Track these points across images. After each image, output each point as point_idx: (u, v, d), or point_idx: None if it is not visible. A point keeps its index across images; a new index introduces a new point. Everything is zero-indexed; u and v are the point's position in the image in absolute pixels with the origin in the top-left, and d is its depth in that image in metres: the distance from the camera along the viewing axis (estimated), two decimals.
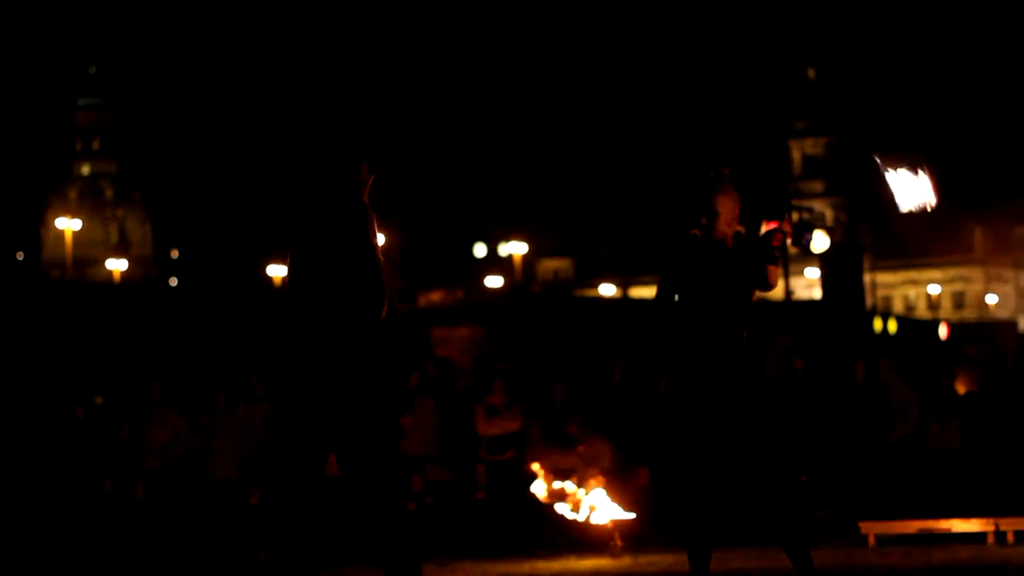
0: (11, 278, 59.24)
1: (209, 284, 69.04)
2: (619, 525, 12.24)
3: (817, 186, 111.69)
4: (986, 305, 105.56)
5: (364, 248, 6.38)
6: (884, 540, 12.91)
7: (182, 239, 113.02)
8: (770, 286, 7.99)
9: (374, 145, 6.66)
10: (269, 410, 15.25)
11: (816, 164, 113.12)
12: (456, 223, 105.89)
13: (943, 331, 63.93)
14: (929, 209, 7.79)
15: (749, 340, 7.83)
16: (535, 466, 12.27)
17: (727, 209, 7.81)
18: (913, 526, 13.05)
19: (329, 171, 6.58)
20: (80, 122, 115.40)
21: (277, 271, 67.22)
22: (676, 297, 7.70)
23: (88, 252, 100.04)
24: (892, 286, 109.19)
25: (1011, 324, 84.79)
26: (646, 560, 12.10)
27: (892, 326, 64.11)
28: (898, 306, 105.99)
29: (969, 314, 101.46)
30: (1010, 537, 12.63)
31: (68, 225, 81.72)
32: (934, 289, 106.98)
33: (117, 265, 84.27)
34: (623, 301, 77.45)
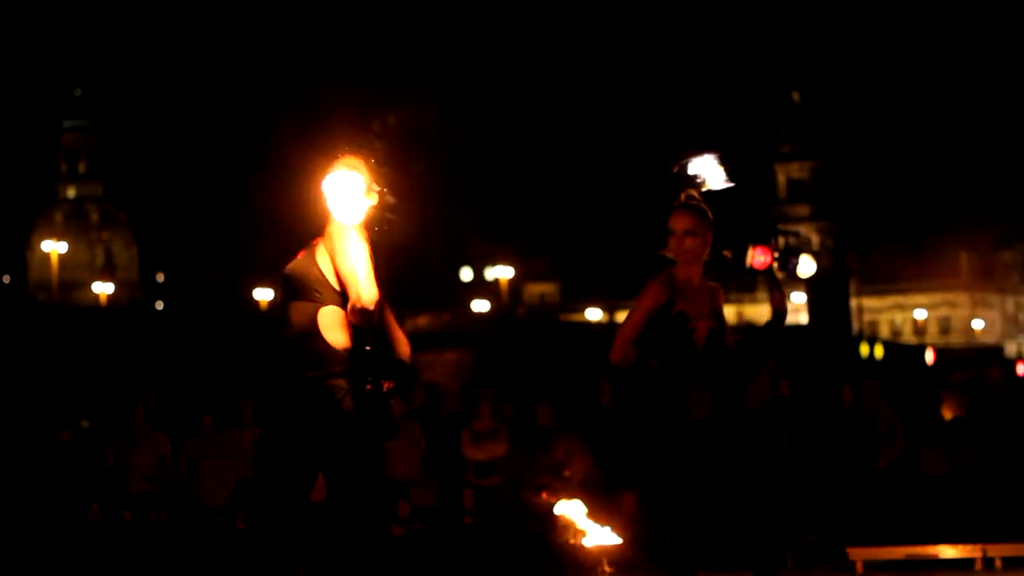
0: None
1: (195, 307, 68.91)
2: (606, 550, 12.22)
3: (803, 210, 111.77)
4: (972, 330, 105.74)
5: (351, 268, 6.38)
6: (872, 566, 12.90)
7: (168, 262, 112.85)
8: (784, 313, 8.02)
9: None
10: (257, 434, 15.19)
11: (802, 188, 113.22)
12: (442, 247, 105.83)
13: (930, 356, 64.04)
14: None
15: (735, 364, 7.82)
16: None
17: (679, 228, 7.77)
18: (901, 552, 13.04)
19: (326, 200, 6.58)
20: (65, 144, 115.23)
21: (263, 294, 67.19)
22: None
23: (74, 275, 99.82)
24: (878, 311, 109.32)
25: (997, 349, 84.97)
26: None
27: (878, 351, 64.22)
28: (884, 331, 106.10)
29: (955, 339, 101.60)
30: (998, 563, 12.63)
31: (54, 248, 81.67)
32: (920, 314, 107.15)
33: (103, 288, 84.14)
34: (609, 325, 77.43)
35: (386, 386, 6.33)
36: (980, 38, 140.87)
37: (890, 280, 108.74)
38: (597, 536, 11.75)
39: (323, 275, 6.48)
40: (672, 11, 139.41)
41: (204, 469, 15.29)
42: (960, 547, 12.87)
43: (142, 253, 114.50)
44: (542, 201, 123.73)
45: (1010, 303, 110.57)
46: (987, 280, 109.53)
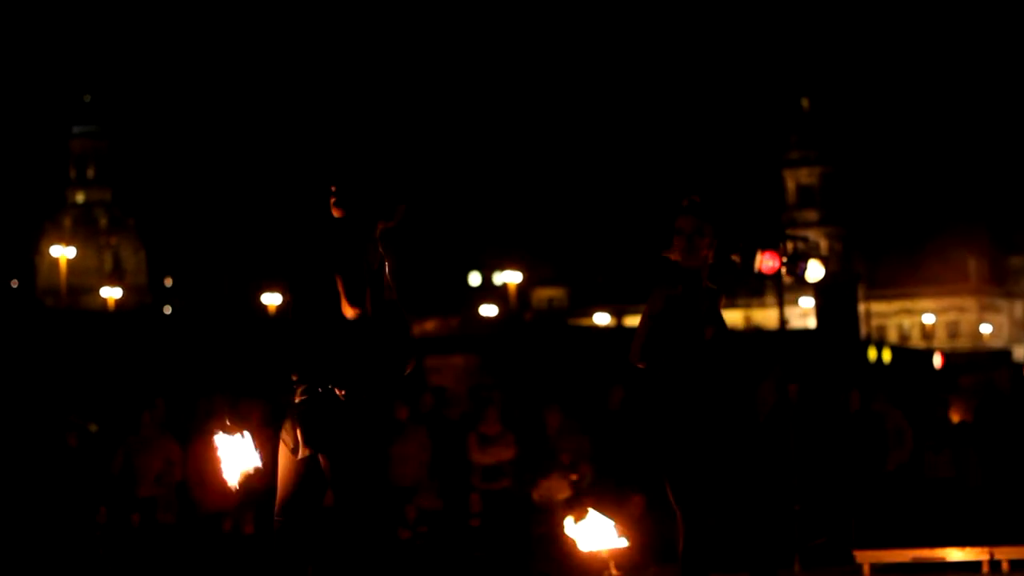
0: (6, 306, 59.16)
1: (203, 312, 68.98)
2: (614, 553, 12.22)
3: (811, 215, 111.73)
4: (980, 335, 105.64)
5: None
6: (879, 569, 12.89)
7: (176, 267, 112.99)
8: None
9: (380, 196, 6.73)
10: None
11: (810, 193, 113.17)
12: (451, 252, 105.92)
13: (937, 360, 63.97)
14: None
15: (739, 370, 7.83)
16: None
17: (687, 229, 7.78)
18: (908, 555, 13.03)
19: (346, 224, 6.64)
20: (74, 150, 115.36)
21: (271, 299, 67.22)
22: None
23: (82, 280, 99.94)
24: (887, 315, 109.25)
25: (1005, 353, 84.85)
26: None
27: (887, 355, 64.12)
28: (892, 335, 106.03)
29: (963, 343, 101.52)
30: (1005, 566, 12.62)
31: (63, 253, 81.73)
32: (928, 319, 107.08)
33: (111, 293, 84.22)
34: (617, 330, 77.46)
35: (339, 393, 6.39)
36: (988, 44, 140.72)
37: (898, 285, 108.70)
38: (604, 539, 11.75)
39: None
40: (682, 18, 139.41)
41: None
42: (967, 550, 12.87)
43: (150, 258, 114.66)
44: (550, 206, 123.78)
45: (1018, 307, 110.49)
46: (995, 284, 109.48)
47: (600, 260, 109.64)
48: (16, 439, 15.45)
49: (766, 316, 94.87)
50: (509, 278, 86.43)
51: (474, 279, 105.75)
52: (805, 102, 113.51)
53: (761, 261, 13.24)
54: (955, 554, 12.90)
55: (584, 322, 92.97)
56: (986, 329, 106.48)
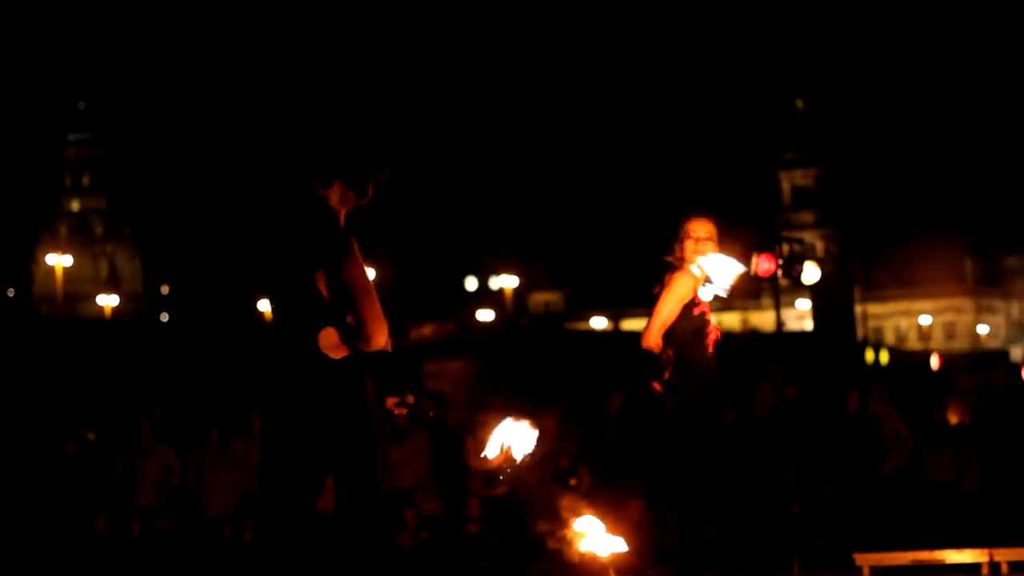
0: (2, 314, 59.18)
1: (200, 319, 68.96)
2: (613, 557, 12.21)
3: (807, 217, 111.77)
4: (977, 335, 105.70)
5: (342, 281, 6.18)
6: (878, 572, 12.88)
7: (172, 274, 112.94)
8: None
9: (350, 163, 6.29)
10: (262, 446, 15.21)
11: (806, 195, 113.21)
12: (447, 257, 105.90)
13: (935, 362, 64.02)
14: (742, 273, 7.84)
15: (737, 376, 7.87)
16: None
17: (699, 234, 7.78)
18: (907, 557, 13.02)
19: (299, 196, 6.29)
20: (70, 158, 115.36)
21: (268, 306, 67.18)
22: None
23: (78, 288, 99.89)
24: (883, 317, 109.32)
25: (1002, 354, 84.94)
26: None
27: (883, 357, 64.21)
28: (889, 337, 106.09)
29: (960, 344, 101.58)
30: (1004, 568, 12.61)
31: (58, 261, 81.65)
32: (925, 320, 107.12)
33: (108, 301, 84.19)
34: (614, 333, 77.50)
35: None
36: (983, 45, 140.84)
37: (894, 286, 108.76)
38: (603, 543, 11.74)
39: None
40: (677, 21, 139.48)
41: (210, 480, 15.31)
42: (967, 552, 12.86)
43: (146, 265, 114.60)
44: (546, 211, 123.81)
45: (1015, 308, 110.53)
46: (992, 285, 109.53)
47: (596, 264, 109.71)
48: (15, 447, 15.45)
49: (763, 318, 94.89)
50: (505, 283, 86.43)
51: (471, 284, 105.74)
52: (800, 104, 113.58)
53: (757, 263, 13.22)
54: (954, 556, 12.89)
55: (581, 326, 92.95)
56: (983, 330, 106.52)
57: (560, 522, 12.21)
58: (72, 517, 14.87)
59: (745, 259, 8.88)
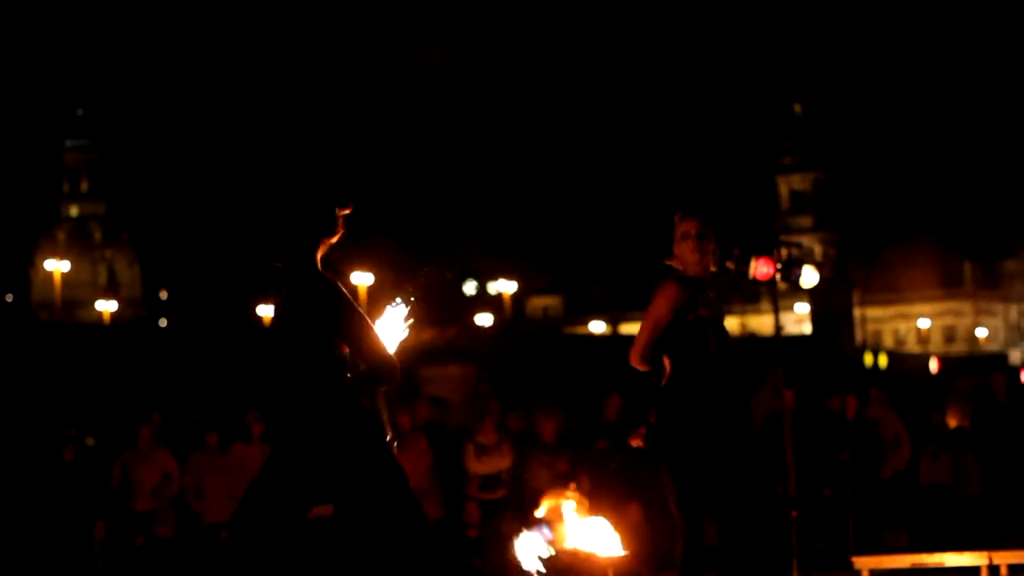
0: (0, 320, 59.14)
1: (198, 325, 68.95)
2: (612, 562, 12.22)
3: (805, 221, 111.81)
4: (976, 339, 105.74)
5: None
6: (877, 575, 12.89)
7: (171, 280, 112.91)
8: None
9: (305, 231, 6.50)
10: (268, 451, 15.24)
11: (804, 199, 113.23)
12: (445, 261, 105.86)
13: (933, 365, 64.03)
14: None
15: (738, 380, 7.84)
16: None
17: (694, 232, 7.78)
18: (906, 560, 13.03)
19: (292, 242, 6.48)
20: (68, 163, 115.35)
21: (267, 311, 67.17)
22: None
23: (77, 293, 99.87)
24: (882, 320, 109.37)
25: (1001, 357, 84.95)
26: None
27: (882, 360, 64.20)
28: (888, 340, 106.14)
29: (959, 348, 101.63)
30: (1003, 571, 12.62)
31: (57, 267, 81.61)
32: (924, 323, 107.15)
33: (106, 306, 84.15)
34: (613, 338, 77.45)
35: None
36: (981, 48, 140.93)
37: (893, 290, 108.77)
38: (602, 547, 11.76)
39: None
40: (675, 25, 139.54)
41: (208, 486, 15.29)
42: (966, 554, 12.86)
43: (145, 271, 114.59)
44: (545, 215, 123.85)
45: (1013, 311, 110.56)
46: (990, 288, 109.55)
47: (595, 269, 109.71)
48: (13, 453, 15.44)
49: (761, 322, 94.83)
50: (504, 287, 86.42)
51: (469, 288, 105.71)
52: (798, 108, 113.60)
53: (756, 267, 13.22)
54: (953, 559, 12.89)
55: (580, 330, 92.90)
56: (982, 333, 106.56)
57: (559, 526, 12.22)
58: (71, 523, 14.86)
59: (742, 263, 8.90)
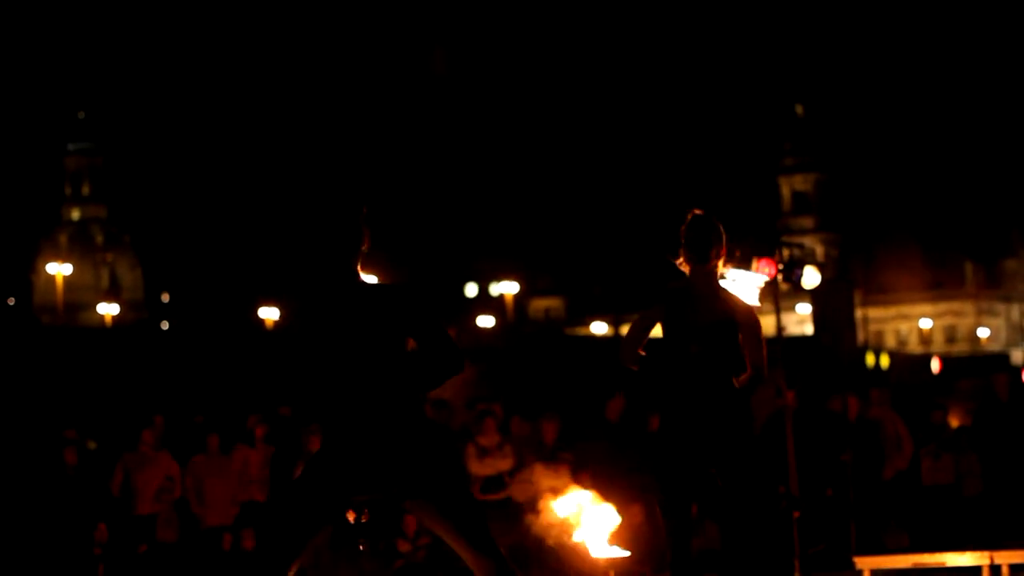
0: (2, 324, 59.14)
1: (201, 327, 68.96)
2: (613, 562, 12.22)
3: (807, 222, 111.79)
4: (978, 339, 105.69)
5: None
6: (879, 575, 12.90)
7: (173, 283, 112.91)
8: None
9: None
10: (269, 455, 15.28)
11: (806, 200, 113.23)
12: (447, 263, 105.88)
13: (935, 365, 64.01)
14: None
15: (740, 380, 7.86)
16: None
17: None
18: (908, 560, 13.03)
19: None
20: (69, 167, 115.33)
21: (269, 313, 67.15)
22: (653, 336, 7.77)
23: (79, 297, 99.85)
24: (884, 321, 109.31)
25: (1003, 357, 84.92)
26: None
27: (884, 360, 64.15)
28: (890, 341, 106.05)
29: (961, 348, 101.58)
30: (1005, 571, 12.62)
31: (59, 270, 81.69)
32: (926, 323, 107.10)
33: (108, 309, 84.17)
34: (615, 339, 77.43)
35: None
36: (981, 48, 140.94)
37: (895, 290, 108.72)
38: (604, 548, 11.77)
39: None
40: (677, 26, 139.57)
41: (209, 488, 15.30)
42: (967, 554, 12.87)
43: (147, 274, 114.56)
44: (546, 216, 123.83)
45: (1015, 311, 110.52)
46: (992, 288, 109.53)
47: (597, 270, 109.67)
48: (14, 457, 15.44)
49: (763, 323, 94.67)
50: (506, 288, 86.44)
51: (471, 290, 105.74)
52: (799, 109, 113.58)
53: (757, 268, 13.25)
54: (955, 559, 12.90)
55: (581, 331, 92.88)
56: (983, 333, 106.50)
57: (560, 528, 12.22)
58: (72, 527, 14.86)
59: (746, 263, 8.91)
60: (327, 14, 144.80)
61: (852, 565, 13.10)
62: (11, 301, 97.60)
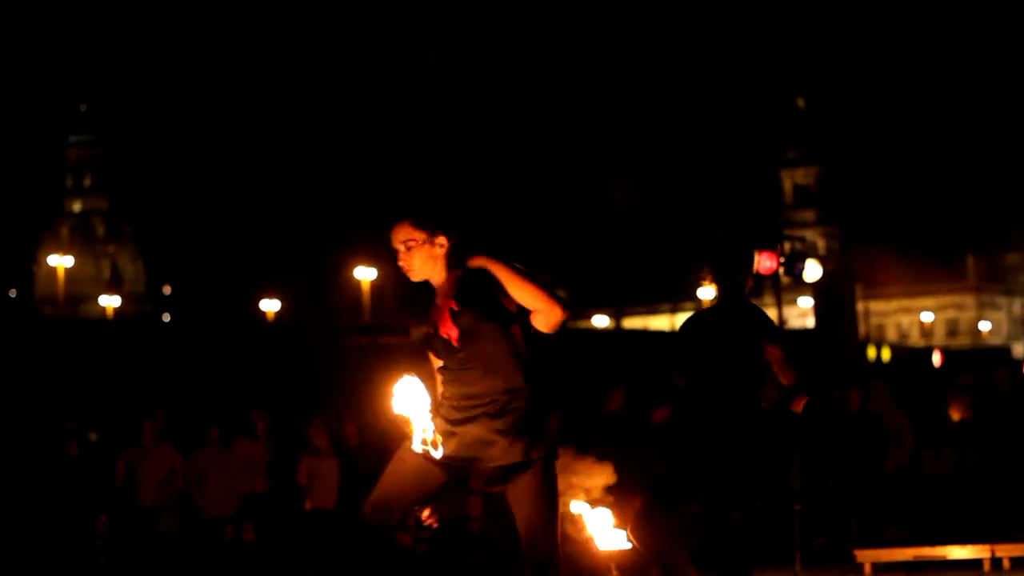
0: (4, 315, 59.18)
1: (202, 319, 68.93)
2: (615, 555, 12.21)
3: (809, 215, 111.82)
4: (979, 332, 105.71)
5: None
6: (880, 568, 12.91)
7: (174, 275, 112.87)
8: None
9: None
10: (271, 448, 15.32)
11: (807, 193, 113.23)
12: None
13: (936, 358, 64.00)
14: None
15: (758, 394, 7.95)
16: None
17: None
18: (909, 553, 13.04)
19: None
20: (71, 159, 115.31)
21: (270, 306, 67.15)
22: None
23: (80, 289, 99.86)
24: (885, 314, 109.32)
25: (1004, 351, 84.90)
26: None
27: (885, 354, 64.19)
28: (891, 334, 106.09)
29: (962, 341, 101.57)
30: (1006, 563, 12.64)
31: (60, 262, 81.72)
32: (927, 317, 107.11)
33: (110, 301, 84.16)
34: (616, 332, 77.46)
35: None
36: (983, 42, 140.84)
37: (896, 283, 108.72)
38: (607, 541, 11.77)
39: None
40: (678, 20, 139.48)
41: (209, 480, 15.30)
42: (968, 547, 12.88)
43: (148, 266, 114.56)
44: (548, 208, 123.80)
45: (1017, 304, 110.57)
46: (994, 282, 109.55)
47: (599, 263, 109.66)
48: (16, 448, 15.46)
49: None
50: None
51: None
52: (801, 102, 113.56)
53: (759, 261, 13.25)
54: (956, 552, 12.91)
55: (583, 324, 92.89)
56: (985, 326, 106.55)
57: (562, 519, 12.20)
58: (74, 518, 14.87)
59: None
60: (328, 10, 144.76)
61: (853, 558, 13.11)
62: (13, 293, 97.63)
